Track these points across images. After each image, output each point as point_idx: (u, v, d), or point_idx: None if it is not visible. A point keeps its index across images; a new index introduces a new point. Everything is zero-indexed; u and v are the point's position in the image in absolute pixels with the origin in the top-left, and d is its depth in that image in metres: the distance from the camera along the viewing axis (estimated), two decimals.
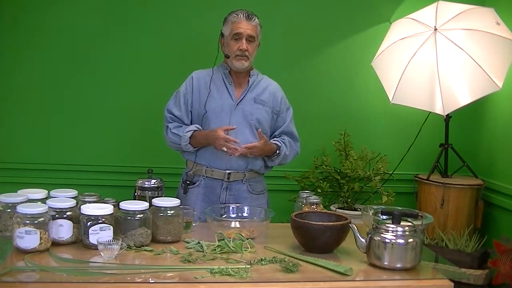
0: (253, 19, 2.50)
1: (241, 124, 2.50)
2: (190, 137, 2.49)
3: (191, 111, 2.56)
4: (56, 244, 1.89)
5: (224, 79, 2.56)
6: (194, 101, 2.55)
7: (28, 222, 1.80)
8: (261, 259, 1.82)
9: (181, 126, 2.54)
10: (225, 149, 2.43)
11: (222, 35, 2.55)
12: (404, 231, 1.80)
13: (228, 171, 2.51)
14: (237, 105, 2.52)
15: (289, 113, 2.65)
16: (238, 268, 1.73)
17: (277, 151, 2.53)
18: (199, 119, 2.53)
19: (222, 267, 1.73)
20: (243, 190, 2.54)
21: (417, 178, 3.49)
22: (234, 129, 2.46)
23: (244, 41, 2.47)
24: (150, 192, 2.37)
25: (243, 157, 2.48)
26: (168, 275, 1.70)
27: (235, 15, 2.49)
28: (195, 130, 2.50)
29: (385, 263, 1.80)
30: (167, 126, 2.56)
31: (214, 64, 2.59)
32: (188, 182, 2.56)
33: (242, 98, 2.53)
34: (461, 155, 3.45)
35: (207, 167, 2.53)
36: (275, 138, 2.59)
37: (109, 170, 3.51)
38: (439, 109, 3.14)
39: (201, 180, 2.55)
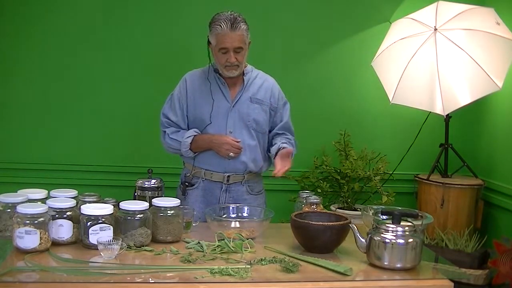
0: (238, 27, 2.33)
1: (238, 126, 2.47)
2: (190, 143, 2.46)
3: (187, 116, 2.52)
4: (56, 244, 1.89)
5: (217, 80, 2.50)
6: (189, 105, 2.50)
7: (28, 222, 1.80)
8: (261, 259, 1.82)
9: (179, 131, 2.51)
10: (232, 154, 2.43)
11: (209, 42, 2.44)
12: (404, 231, 1.80)
13: (227, 174, 2.49)
14: (233, 106, 2.48)
15: (286, 108, 2.61)
16: (238, 268, 1.73)
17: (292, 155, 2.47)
18: (196, 123, 2.50)
19: (222, 267, 1.73)
20: (242, 191, 2.53)
21: (417, 178, 3.49)
22: (232, 132, 2.45)
23: (232, 53, 2.35)
24: (150, 192, 2.37)
25: (243, 160, 2.47)
26: (168, 275, 1.70)
27: (219, 26, 2.33)
28: (195, 135, 2.47)
29: (385, 263, 1.80)
30: (164, 132, 2.53)
31: (208, 66, 2.52)
32: (186, 184, 2.54)
33: (238, 99, 2.49)
34: (461, 155, 3.45)
35: (206, 170, 2.51)
36: (280, 137, 2.54)
37: (109, 170, 3.51)
38: (439, 109, 3.14)
39: (200, 182, 2.53)
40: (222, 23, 2.34)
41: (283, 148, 2.44)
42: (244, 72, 2.52)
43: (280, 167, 2.37)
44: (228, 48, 2.36)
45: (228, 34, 2.34)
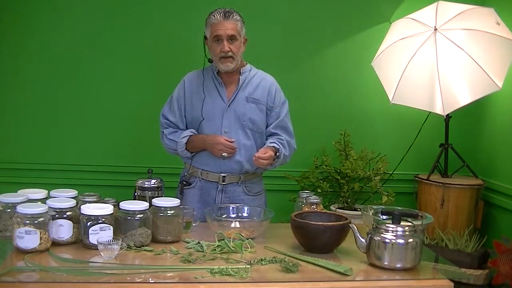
0: (231, 16, 2.40)
1: (234, 126, 2.47)
2: (186, 143, 2.47)
3: (185, 116, 2.53)
4: (56, 244, 1.89)
5: (214, 79, 2.52)
6: (187, 105, 2.52)
7: (28, 222, 1.80)
8: (261, 259, 1.82)
9: (177, 131, 2.52)
10: (225, 154, 2.43)
11: (205, 37, 2.49)
12: (404, 231, 1.80)
13: (223, 174, 2.49)
14: (228, 106, 2.48)
15: (284, 107, 2.58)
16: (238, 268, 1.73)
17: (277, 153, 2.45)
18: (193, 123, 2.51)
19: (222, 267, 1.73)
20: (239, 192, 2.52)
21: (417, 178, 3.49)
22: (227, 132, 2.45)
23: (225, 42, 2.39)
24: (150, 192, 2.37)
25: (239, 159, 2.47)
26: (168, 275, 1.71)
27: (213, 16, 2.41)
28: (190, 135, 2.48)
29: (385, 263, 1.80)
30: (163, 132, 2.55)
31: (203, 66, 2.55)
32: (184, 182, 2.55)
33: (234, 98, 2.49)
34: (461, 155, 3.45)
35: (202, 170, 2.52)
36: (272, 137, 2.52)
37: (109, 170, 3.51)
38: (439, 109, 3.14)
39: (197, 181, 2.54)
40: (216, 14, 2.42)
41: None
42: (241, 71, 2.52)
43: (261, 153, 2.37)
44: (221, 36, 2.40)
45: (222, 22, 2.40)
